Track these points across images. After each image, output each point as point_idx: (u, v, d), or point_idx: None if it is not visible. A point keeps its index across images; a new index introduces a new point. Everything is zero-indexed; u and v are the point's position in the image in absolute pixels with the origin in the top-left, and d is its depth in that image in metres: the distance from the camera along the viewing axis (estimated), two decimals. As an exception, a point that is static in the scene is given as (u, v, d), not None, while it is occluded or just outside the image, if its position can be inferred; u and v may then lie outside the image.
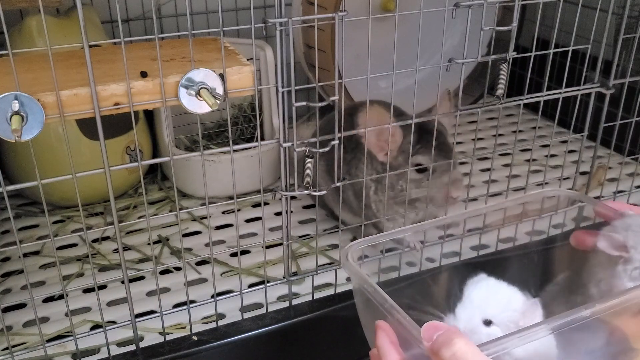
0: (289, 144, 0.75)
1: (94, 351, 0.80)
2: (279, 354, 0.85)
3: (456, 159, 0.92)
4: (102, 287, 0.93)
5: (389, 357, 0.52)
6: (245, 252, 1.00)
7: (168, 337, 0.80)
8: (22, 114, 0.58)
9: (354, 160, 0.96)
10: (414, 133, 0.87)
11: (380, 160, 0.90)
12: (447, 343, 0.46)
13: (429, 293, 0.70)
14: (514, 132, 1.03)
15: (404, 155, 0.90)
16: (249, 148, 1.11)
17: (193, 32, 0.65)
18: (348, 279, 0.94)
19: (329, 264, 0.97)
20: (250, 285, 0.93)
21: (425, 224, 0.71)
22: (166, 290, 0.93)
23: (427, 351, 0.48)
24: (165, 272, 0.96)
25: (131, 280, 0.86)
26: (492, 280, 0.61)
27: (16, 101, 0.57)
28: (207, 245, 1.03)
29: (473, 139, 0.93)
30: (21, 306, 0.89)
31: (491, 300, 0.59)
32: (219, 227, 1.08)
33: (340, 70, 1.06)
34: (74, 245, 1.03)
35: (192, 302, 0.84)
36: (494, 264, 0.88)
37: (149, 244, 1.00)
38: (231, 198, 1.03)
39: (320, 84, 0.89)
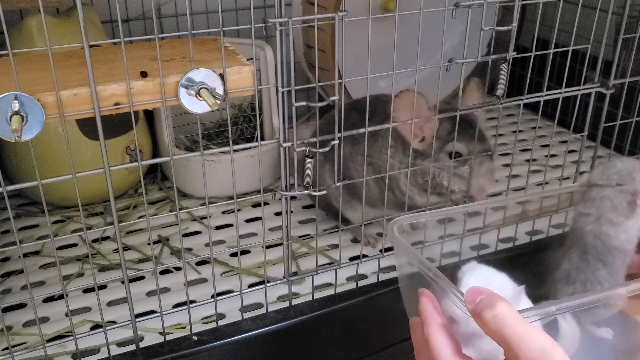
0: (289, 144, 0.75)
1: (94, 351, 0.80)
2: (279, 354, 0.86)
3: (494, 149, 0.93)
4: (102, 287, 0.93)
5: (431, 320, 0.53)
6: (245, 252, 1.00)
7: (168, 337, 0.80)
8: (22, 114, 0.58)
9: (375, 145, 0.94)
10: (450, 120, 0.88)
11: (415, 147, 0.90)
12: (489, 305, 0.48)
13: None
14: (514, 132, 1.03)
15: (439, 143, 0.89)
16: (249, 148, 1.11)
17: (193, 32, 0.65)
18: (348, 279, 0.94)
19: (329, 264, 0.97)
20: (250, 285, 0.93)
21: (479, 204, 0.75)
22: (166, 290, 0.93)
23: (470, 313, 0.50)
24: (165, 272, 0.96)
25: (131, 280, 0.86)
26: (484, 267, 0.63)
27: (16, 101, 0.57)
28: (207, 245, 1.03)
29: (473, 139, 0.93)
30: (21, 306, 0.89)
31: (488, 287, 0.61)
32: (219, 227, 1.08)
33: (340, 70, 1.06)
34: (74, 245, 1.03)
35: (192, 302, 0.84)
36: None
37: (149, 244, 1.00)
38: (231, 198, 1.03)
39: (320, 84, 0.89)
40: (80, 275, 0.96)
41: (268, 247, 1.00)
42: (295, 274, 0.88)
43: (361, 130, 0.81)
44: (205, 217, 1.10)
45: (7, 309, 0.88)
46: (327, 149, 0.76)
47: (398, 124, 0.84)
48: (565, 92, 0.92)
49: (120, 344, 0.82)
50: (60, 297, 0.89)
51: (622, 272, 0.70)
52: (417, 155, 0.90)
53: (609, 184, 0.70)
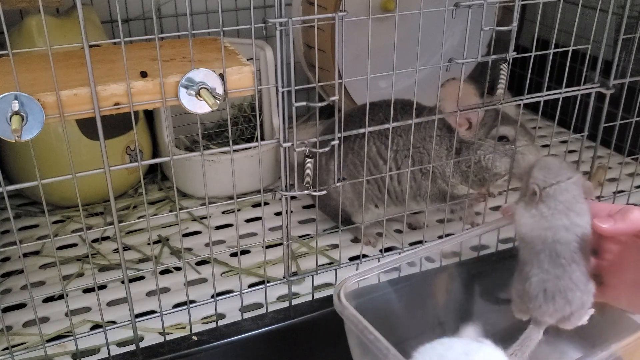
0: (289, 144, 0.75)
1: (94, 351, 0.80)
2: (279, 354, 0.85)
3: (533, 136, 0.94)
4: (102, 287, 0.93)
5: None
6: (245, 252, 1.00)
7: (168, 337, 0.80)
8: (22, 114, 0.58)
9: (416, 135, 0.93)
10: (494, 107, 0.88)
11: (462, 135, 0.90)
12: None
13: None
14: (514, 132, 1.03)
15: (485, 129, 0.90)
16: (249, 148, 1.11)
17: (193, 32, 0.65)
18: (348, 279, 0.94)
19: (329, 264, 0.97)
20: (250, 285, 0.93)
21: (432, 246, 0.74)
22: (166, 290, 0.93)
23: None
24: (165, 272, 0.96)
25: (131, 280, 0.86)
26: (481, 346, 0.62)
27: (16, 101, 0.57)
28: (207, 245, 1.03)
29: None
30: (21, 306, 0.89)
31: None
32: (219, 227, 1.08)
33: (340, 70, 1.05)
34: (74, 245, 1.03)
35: (192, 302, 0.84)
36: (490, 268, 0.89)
37: (149, 244, 1.00)
38: (231, 198, 1.03)
39: (320, 84, 0.89)
40: (80, 275, 0.96)
41: (268, 247, 1.00)
42: (295, 274, 0.88)
43: (361, 130, 0.81)
44: (205, 217, 1.10)
45: (7, 309, 0.88)
46: (327, 149, 0.76)
47: (444, 115, 0.86)
48: (565, 92, 0.92)
49: (120, 344, 0.82)
50: (60, 297, 0.89)
51: (589, 269, 0.69)
52: (462, 144, 0.91)
53: (561, 180, 0.70)
